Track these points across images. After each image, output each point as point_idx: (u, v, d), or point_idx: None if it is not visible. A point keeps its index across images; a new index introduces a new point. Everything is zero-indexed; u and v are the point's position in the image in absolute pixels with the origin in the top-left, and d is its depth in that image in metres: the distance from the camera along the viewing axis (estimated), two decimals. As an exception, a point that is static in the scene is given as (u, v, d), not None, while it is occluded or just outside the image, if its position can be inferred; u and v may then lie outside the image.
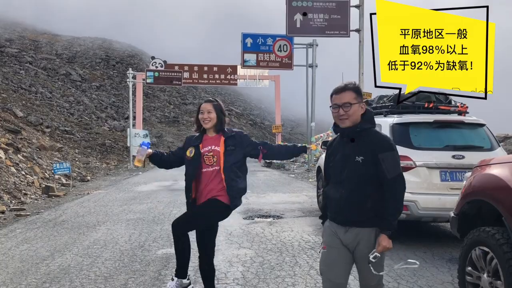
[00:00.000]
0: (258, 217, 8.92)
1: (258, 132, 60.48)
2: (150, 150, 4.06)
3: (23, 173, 14.67)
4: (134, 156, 27.54)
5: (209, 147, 3.90)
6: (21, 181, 13.66)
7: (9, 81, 38.24)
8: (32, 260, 5.94)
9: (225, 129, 4.01)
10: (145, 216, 9.13)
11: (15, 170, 14.26)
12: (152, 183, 16.20)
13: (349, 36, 19.48)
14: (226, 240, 6.87)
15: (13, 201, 11.35)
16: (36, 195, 12.91)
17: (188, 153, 3.99)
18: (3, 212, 9.91)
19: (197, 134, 4.07)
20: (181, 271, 3.95)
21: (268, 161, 26.66)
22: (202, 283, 4.08)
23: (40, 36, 58.67)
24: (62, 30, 63.82)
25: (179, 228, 3.86)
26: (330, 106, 3.12)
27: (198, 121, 3.99)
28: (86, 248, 6.56)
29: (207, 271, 4.00)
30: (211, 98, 4.15)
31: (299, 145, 4.29)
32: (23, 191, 12.64)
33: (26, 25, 59.57)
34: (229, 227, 7.83)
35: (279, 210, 9.69)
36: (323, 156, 10.05)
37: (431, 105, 7.26)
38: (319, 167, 10.13)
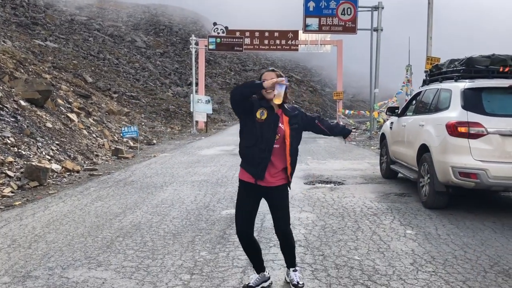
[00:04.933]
0: (319, 183, 8.94)
1: (318, 99, 59.80)
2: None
3: (94, 135, 15.48)
4: (197, 122, 27.76)
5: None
6: (93, 143, 14.43)
7: (79, 48, 39.95)
8: (106, 216, 6.34)
9: (285, 106, 3.66)
10: (209, 179, 9.41)
11: (87, 133, 15.06)
12: (215, 148, 16.58)
13: (417, -2, 18.53)
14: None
15: (86, 162, 12.04)
16: (107, 156, 13.62)
17: (258, 115, 3.53)
18: (78, 172, 10.58)
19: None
20: (259, 267, 3.90)
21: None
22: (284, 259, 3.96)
23: (106, 4, 60.44)
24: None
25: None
26: None
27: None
28: (155, 206, 6.90)
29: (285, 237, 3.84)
30: (273, 68, 3.76)
31: (348, 128, 4.14)
32: (95, 153, 13.37)
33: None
34: (291, 191, 7.87)
35: (340, 177, 9.64)
36: (388, 123, 9.82)
37: (506, 69, 6.83)
38: (383, 133, 9.92)
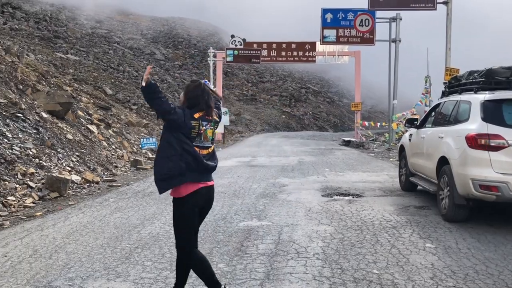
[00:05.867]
0: (337, 195, 8.89)
1: (335, 110, 59.57)
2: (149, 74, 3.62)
3: (114, 147, 15.67)
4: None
5: None
6: (112, 154, 14.61)
7: (99, 60, 40.62)
8: (125, 227, 6.41)
9: None
10: (226, 190, 9.44)
11: (106, 144, 15.27)
12: (232, 159, 16.62)
13: (435, 9, 18.51)
14: (305, 216, 6.94)
15: (106, 173, 12.19)
16: (126, 167, 13.77)
17: None
18: (97, 183, 10.72)
19: None
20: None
21: (346, 139, 26.27)
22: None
23: (126, 17, 61.48)
24: (147, 10, 66.44)
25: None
26: None
27: None
28: (173, 218, 6.93)
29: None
30: (194, 79, 4.00)
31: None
32: (114, 164, 13.53)
33: (114, 6, 62.58)
34: (308, 204, 7.90)
35: (358, 189, 9.58)
36: (406, 134, 9.75)
37: (528, 81, 6.74)
38: (402, 145, 9.85)
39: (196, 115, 3.63)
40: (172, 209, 3.72)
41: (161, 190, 3.66)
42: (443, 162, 6.90)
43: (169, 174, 3.58)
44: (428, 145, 7.86)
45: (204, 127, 3.66)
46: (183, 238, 3.69)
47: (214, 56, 31.18)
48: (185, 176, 3.60)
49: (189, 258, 3.70)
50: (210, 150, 3.75)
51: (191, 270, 3.82)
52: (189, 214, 3.66)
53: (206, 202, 3.78)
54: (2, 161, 9.16)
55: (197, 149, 3.63)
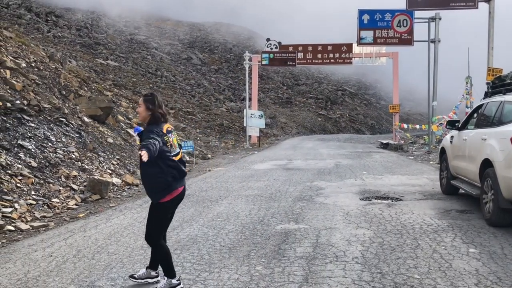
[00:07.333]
0: (375, 199, 8.75)
1: (373, 112, 58.68)
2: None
3: (152, 150, 15.97)
4: (250, 136, 28.16)
5: None
6: (151, 157, 14.89)
7: (138, 66, 41.53)
8: (164, 229, 6.49)
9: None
10: (263, 193, 9.45)
11: (145, 148, 15.58)
12: (268, 162, 16.63)
13: (477, 7, 18.00)
14: (343, 220, 6.87)
15: (145, 176, 12.43)
16: (164, 171, 13.98)
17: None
18: (137, 185, 10.94)
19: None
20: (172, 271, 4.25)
21: (384, 142, 25.85)
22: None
23: (164, 23, 62.65)
24: (184, 16, 67.54)
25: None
26: None
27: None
28: (211, 220, 7.01)
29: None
30: (147, 93, 4.35)
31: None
32: (153, 167, 13.77)
33: (151, 12, 63.91)
34: (346, 207, 7.80)
35: (397, 192, 9.39)
36: (447, 137, 9.50)
37: None
38: (442, 148, 9.60)
39: (164, 129, 4.09)
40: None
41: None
42: (486, 164, 6.68)
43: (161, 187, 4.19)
44: (471, 147, 7.63)
45: (171, 138, 4.12)
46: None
47: (250, 59, 31.30)
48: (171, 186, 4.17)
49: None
50: (180, 155, 4.20)
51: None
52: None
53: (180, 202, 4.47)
54: (47, 164, 9.50)
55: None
